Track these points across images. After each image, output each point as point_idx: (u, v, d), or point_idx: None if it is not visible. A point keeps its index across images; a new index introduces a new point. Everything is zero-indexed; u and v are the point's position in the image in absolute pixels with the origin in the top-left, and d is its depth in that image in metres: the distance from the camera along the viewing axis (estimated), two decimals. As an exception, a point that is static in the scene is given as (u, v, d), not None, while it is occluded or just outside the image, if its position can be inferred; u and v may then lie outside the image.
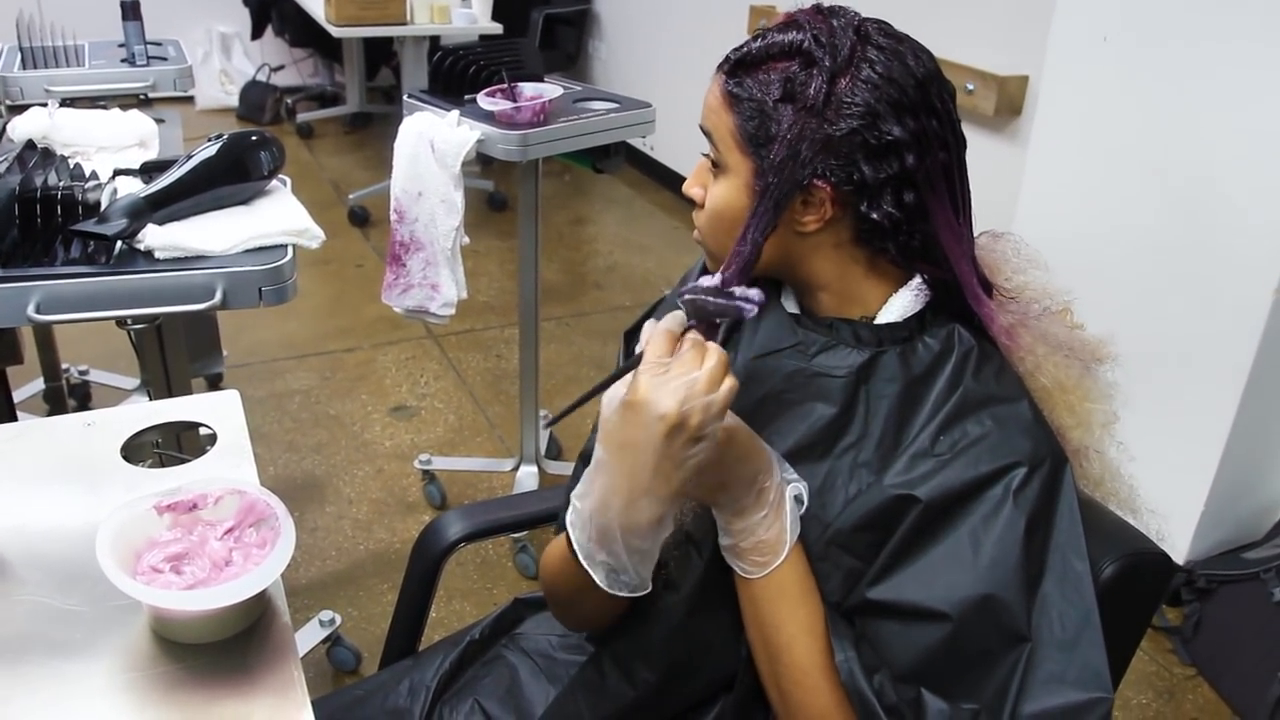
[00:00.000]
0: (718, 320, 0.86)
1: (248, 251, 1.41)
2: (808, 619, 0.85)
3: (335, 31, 3.98)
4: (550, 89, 2.06)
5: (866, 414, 0.88)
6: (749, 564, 0.86)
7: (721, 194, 0.90)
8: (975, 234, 0.94)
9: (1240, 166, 1.88)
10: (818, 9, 0.88)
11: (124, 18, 2.22)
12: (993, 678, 0.80)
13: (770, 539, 0.85)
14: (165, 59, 2.31)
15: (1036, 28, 2.43)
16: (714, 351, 0.80)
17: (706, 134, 0.91)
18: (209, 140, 1.50)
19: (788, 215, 0.86)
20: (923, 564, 0.83)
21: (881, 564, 0.84)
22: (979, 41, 2.74)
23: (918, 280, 0.91)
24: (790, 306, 0.96)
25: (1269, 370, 1.96)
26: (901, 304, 0.91)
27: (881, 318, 0.91)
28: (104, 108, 1.93)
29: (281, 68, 5.79)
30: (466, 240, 2.07)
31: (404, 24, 3.99)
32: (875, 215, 0.85)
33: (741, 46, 0.89)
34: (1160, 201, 2.03)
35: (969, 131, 0.90)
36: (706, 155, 0.92)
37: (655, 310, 1.14)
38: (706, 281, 0.85)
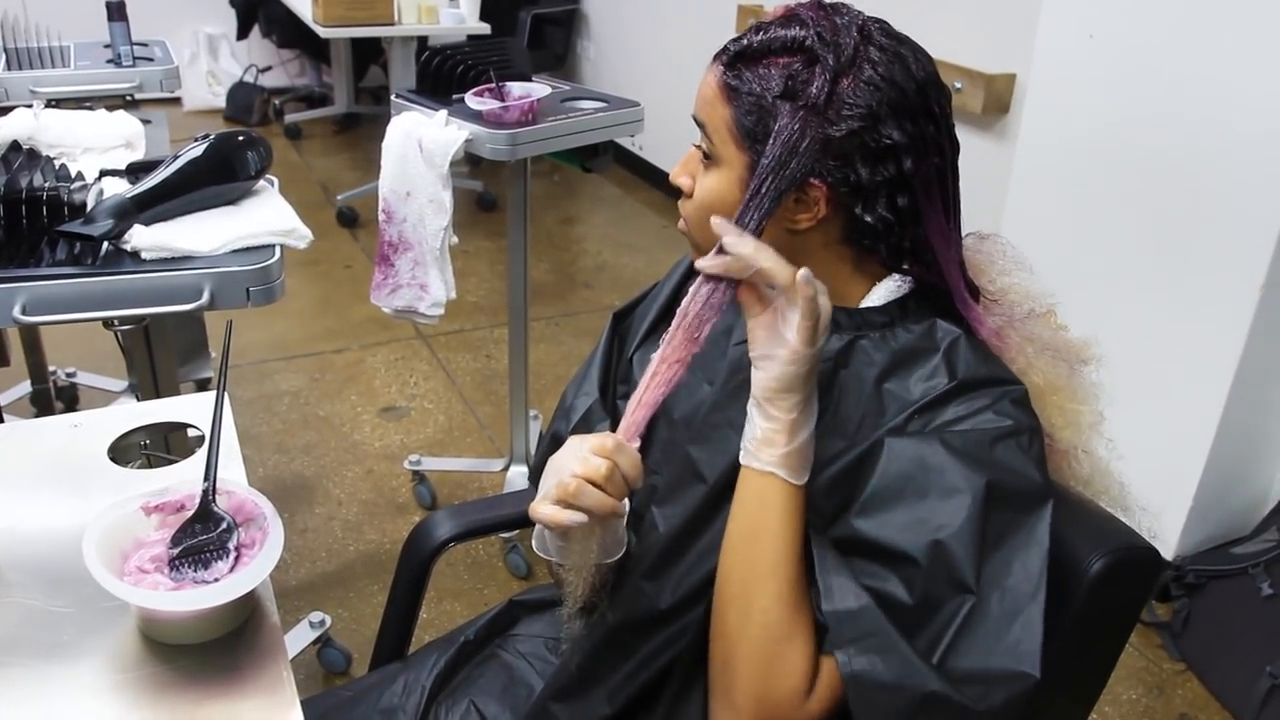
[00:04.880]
0: None
1: (235, 252, 1.40)
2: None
3: (323, 32, 3.96)
4: (538, 88, 2.05)
5: (843, 398, 0.89)
6: (803, 469, 0.85)
7: (713, 186, 0.90)
8: (962, 235, 0.94)
9: (1227, 163, 1.89)
10: (819, 4, 0.87)
11: (110, 18, 2.21)
12: (932, 622, 0.80)
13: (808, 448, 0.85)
14: (152, 60, 2.30)
15: (1024, 26, 2.43)
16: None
17: (700, 124, 0.90)
18: (195, 140, 1.50)
19: (780, 212, 0.86)
20: (880, 503, 0.83)
21: (848, 505, 0.85)
22: (966, 39, 2.75)
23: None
24: None
25: (1256, 366, 1.97)
26: (884, 291, 0.91)
27: (863, 304, 0.91)
28: (90, 108, 1.92)
29: (269, 69, 5.78)
30: (455, 240, 2.07)
31: (392, 24, 3.98)
32: (869, 218, 0.86)
33: (741, 38, 0.88)
34: (1147, 198, 2.04)
35: (956, 129, 0.90)
36: (698, 146, 0.92)
37: (648, 295, 1.14)
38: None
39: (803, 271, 0.78)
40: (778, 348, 0.81)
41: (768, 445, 0.83)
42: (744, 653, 0.84)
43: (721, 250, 0.83)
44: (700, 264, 0.84)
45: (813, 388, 0.83)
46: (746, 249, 0.81)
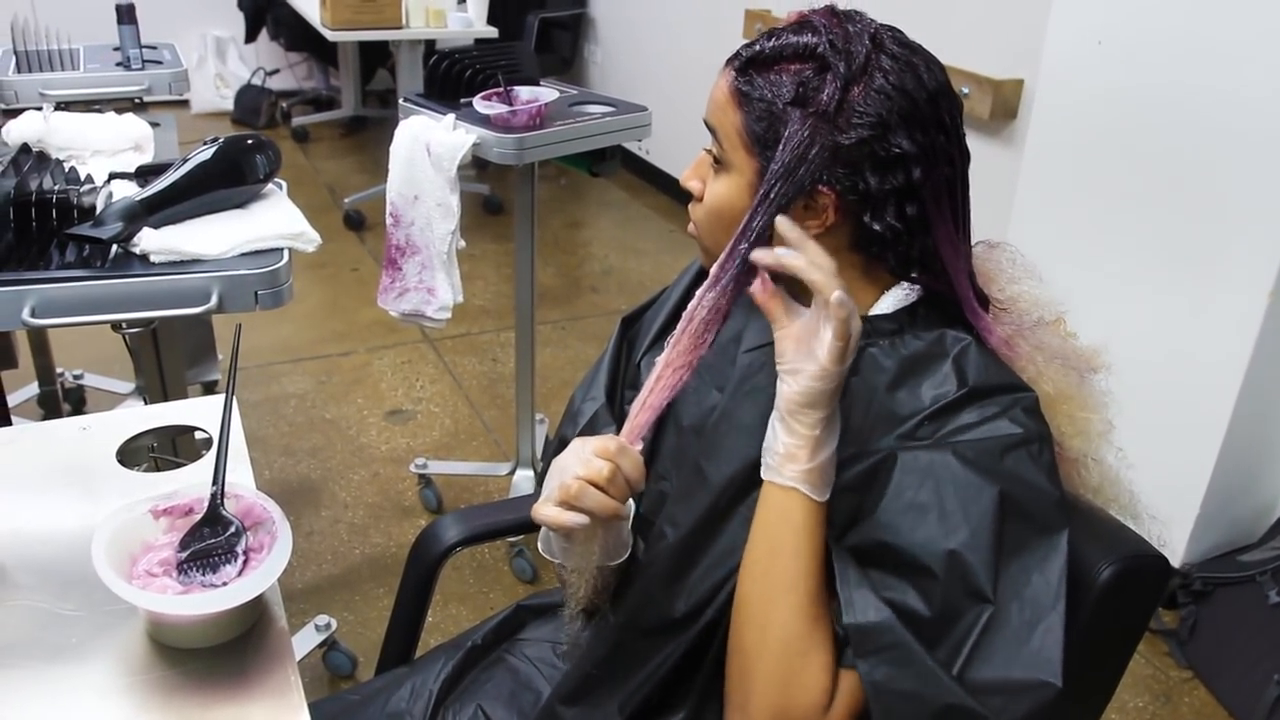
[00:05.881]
0: None
1: (243, 255, 1.41)
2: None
3: (330, 35, 3.97)
4: (546, 92, 2.06)
5: (853, 405, 0.88)
6: (824, 486, 0.85)
7: (722, 191, 0.90)
8: (972, 243, 0.94)
9: (1235, 170, 1.88)
10: (833, 11, 0.87)
11: (119, 21, 2.22)
12: (952, 633, 0.80)
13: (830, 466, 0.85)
14: (160, 63, 2.31)
15: (1031, 31, 2.43)
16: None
17: (711, 129, 0.90)
18: (204, 143, 1.50)
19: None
20: (895, 516, 0.83)
21: (858, 516, 0.85)
22: (974, 45, 2.75)
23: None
24: None
25: (1265, 372, 1.96)
26: (892, 299, 0.91)
27: (872, 311, 0.91)
28: (99, 111, 1.93)
29: (277, 71, 5.79)
30: (462, 244, 2.07)
31: (399, 27, 3.98)
32: (877, 226, 0.86)
33: (753, 43, 0.88)
34: (1155, 205, 2.04)
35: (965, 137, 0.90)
36: (708, 150, 0.92)
37: (656, 300, 1.14)
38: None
39: (837, 294, 0.79)
40: (807, 363, 0.81)
41: (790, 461, 0.83)
42: (762, 667, 0.83)
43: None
44: (756, 256, 0.84)
45: (836, 406, 0.83)
46: (799, 262, 0.81)
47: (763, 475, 0.85)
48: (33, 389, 2.71)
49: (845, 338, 0.80)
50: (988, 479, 0.81)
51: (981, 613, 0.80)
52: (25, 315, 1.30)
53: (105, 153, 1.77)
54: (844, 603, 0.82)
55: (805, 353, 0.82)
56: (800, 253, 0.81)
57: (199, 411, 1.17)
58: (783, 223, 0.83)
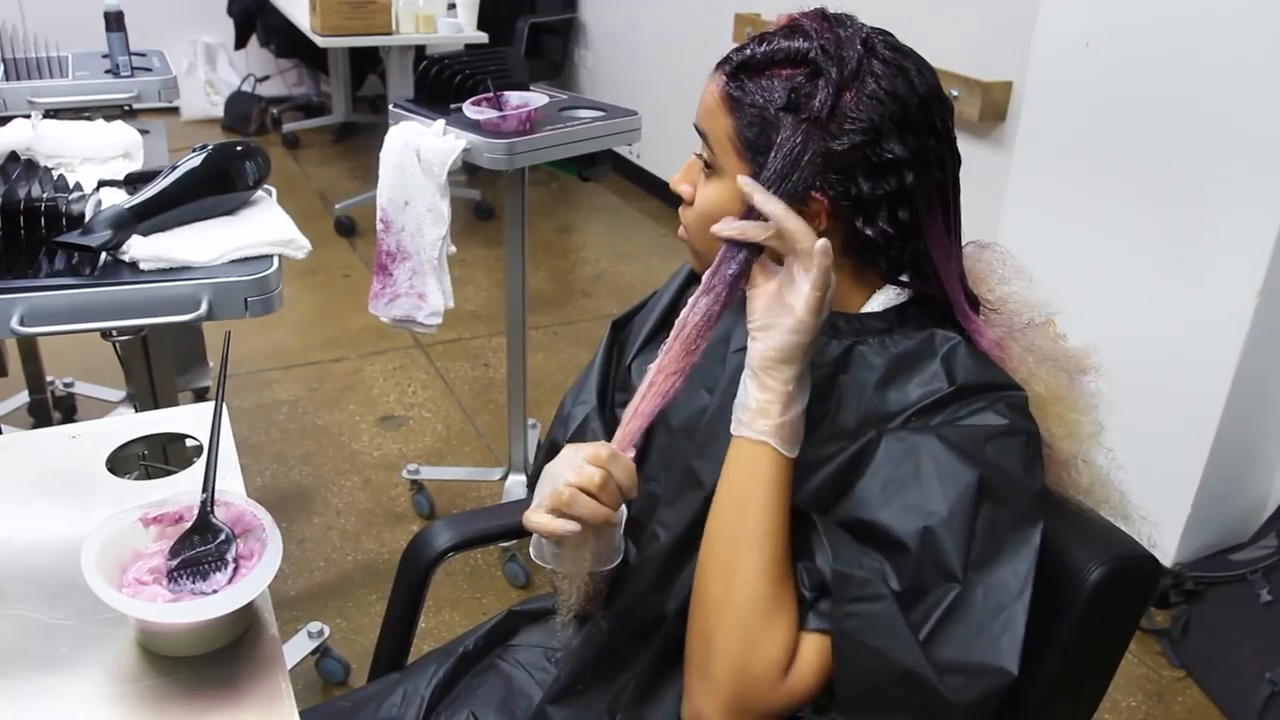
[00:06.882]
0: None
1: (233, 262, 1.40)
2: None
3: (320, 41, 3.97)
4: (536, 98, 2.06)
5: (842, 403, 0.89)
6: (794, 442, 0.85)
7: (714, 196, 0.90)
8: (962, 244, 0.95)
9: (1222, 171, 1.89)
10: (823, 15, 0.87)
11: (108, 29, 2.22)
12: (918, 608, 0.80)
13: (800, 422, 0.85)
14: (150, 70, 2.30)
15: (1020, 33, 2.44)
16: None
17: (701, 134, 0.90)
18: (194, 151, 1.50)
19: None
20: (874, 491, 0.83)
21: (841, 494, 0.86)
22: (963, 47, 2.76)
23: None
24: None
25: (1254, 372, 1.97)
26: (883, 299, 0.91)
27: (862, 310, 0.91)
28: (88, 119, 1.92)
29: (267, 78, 5.79)
30: (453, 249, 2.07)
31: (389, 34, 3.98)
32: (870, 231, 0.86)
33: (744, 48, 0.88)
34: (1143, 206, 2.04)
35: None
36: (699, 154, 0.92)
37: (646, 304, 1.15)
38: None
39: (822, 241, 0.79)
40: (781, 317, 0.81)
41: (762, 415, 0.83)
42: (726, 624, 0.83)
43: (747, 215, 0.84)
44: (717, 229, 0.84)
45: (809, 363, 0.83)
46: (778, 208, 0.81)
47: (732, 431, 0.85)
48: (23, 397, 2.70)
49: (824, 288, 0.80)
50: (969, 463, 0.82)
51: (948, 591, 0.80)
52: (14, 324, 1.29)
53: (94, 160, 1.77)
54: (830, 552, 0.82)
55: (780, 307, 0.82)
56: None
57: (189, 419, 1.16)
58: (744, 181, 0.84)
